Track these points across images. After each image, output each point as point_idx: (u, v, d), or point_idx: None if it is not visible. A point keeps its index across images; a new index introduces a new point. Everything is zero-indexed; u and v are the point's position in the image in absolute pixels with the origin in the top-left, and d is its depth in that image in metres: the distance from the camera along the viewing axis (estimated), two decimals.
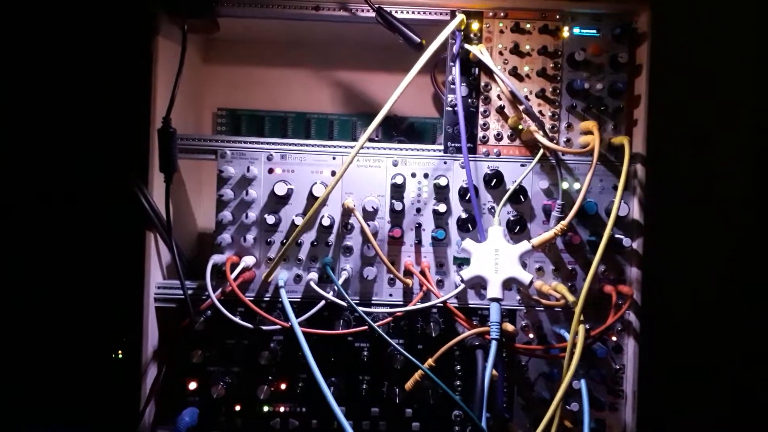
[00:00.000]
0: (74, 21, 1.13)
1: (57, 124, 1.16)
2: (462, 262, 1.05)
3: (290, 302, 0.99)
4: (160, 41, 1.03)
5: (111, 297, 1.15)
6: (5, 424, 1.06)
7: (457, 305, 1.04)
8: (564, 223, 0.97)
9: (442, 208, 1.03)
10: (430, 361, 0.97)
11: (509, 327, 1.01)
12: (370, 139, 0.99)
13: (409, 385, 0.97)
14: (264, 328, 1.00)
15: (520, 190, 1.03)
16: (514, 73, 1.05)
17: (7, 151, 1.16)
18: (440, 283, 1.06)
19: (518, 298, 1.06)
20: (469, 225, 1.04)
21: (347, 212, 1.04)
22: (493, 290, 0.95)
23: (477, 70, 1.06)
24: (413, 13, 1.05)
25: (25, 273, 1.17)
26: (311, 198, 1.03)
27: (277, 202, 1.04)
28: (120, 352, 1.18)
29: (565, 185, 1.03)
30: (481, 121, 1.06)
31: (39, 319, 1.17)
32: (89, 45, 1.14)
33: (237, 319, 0.99)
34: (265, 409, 1.04)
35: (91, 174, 1.16)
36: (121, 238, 1.12)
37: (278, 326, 0.99)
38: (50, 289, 1.18)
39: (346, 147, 1.05)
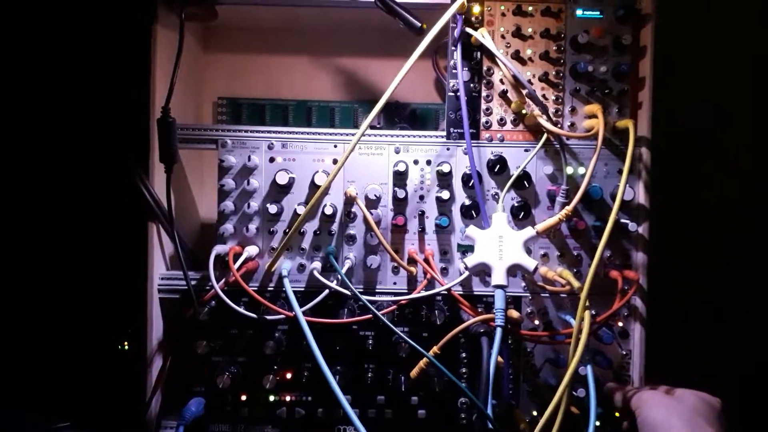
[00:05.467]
0: (70, 9, 1.12)
1: (56, 115, 1.15)
2: (466, 249, 1.04)
3: (294, 292, 0.98)
4: (158, 30, 1.02)
5: (115, 288, 1.15)
6: (11, 415, 1.06)
7: (461, 293, 1.04)
8: (569, 208, 0.96)
9: (445, 195, 1.02)
10: (435, 348, 0.96)
11: (514, 314, 1.01)
12: (372, 126, 0.98)
13: (414, 373, 0.97)
14: (268, 317, 1.00)
15: (524, 176, 1.02)
16: (517, 56, 1.03)
17: (7, 143, 1.15)
18: (444, 271, 1.05)
19: (523, 284, 1.05)
20: (473, 212, 1.03)
21: (350, 201, 1.03)
22: (498, 277, 0.94)
23: (479, 54, 1.04)
24: None
25: (29, 265, 1.17)
26: (313, 187, 1.02)
27: (278, 192, 1.04)
28: (126, 343, 1.18)
29: (569, 170, 1.02)
30: (483, 106, 1.04)
31: (44, 312, 1.17)
32: (86, 34, 1.13)
33: (241, 309, 0.98)
34: (271, 398, 1.04)
35: (91, 165, 1.16)
36: (124, 230, 1.12)
37: (282, 316, 0.99)
38: (54, 282, 1.18)
39: (347, 135, 1.04)
